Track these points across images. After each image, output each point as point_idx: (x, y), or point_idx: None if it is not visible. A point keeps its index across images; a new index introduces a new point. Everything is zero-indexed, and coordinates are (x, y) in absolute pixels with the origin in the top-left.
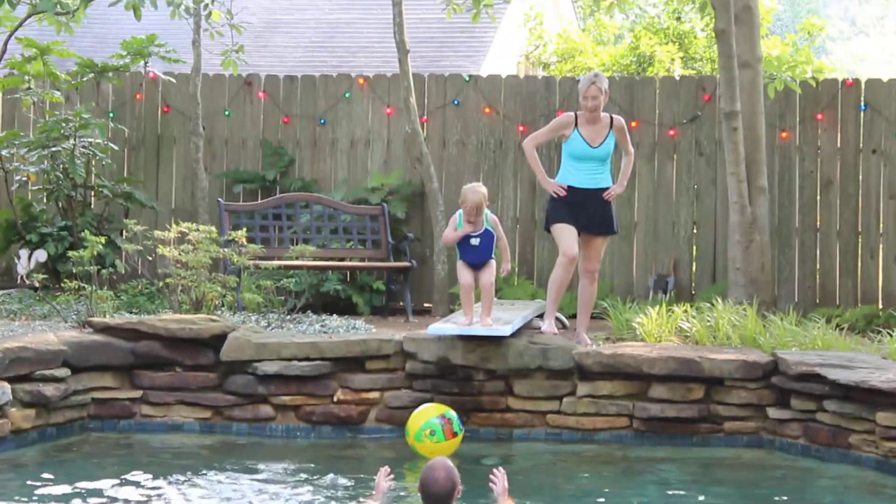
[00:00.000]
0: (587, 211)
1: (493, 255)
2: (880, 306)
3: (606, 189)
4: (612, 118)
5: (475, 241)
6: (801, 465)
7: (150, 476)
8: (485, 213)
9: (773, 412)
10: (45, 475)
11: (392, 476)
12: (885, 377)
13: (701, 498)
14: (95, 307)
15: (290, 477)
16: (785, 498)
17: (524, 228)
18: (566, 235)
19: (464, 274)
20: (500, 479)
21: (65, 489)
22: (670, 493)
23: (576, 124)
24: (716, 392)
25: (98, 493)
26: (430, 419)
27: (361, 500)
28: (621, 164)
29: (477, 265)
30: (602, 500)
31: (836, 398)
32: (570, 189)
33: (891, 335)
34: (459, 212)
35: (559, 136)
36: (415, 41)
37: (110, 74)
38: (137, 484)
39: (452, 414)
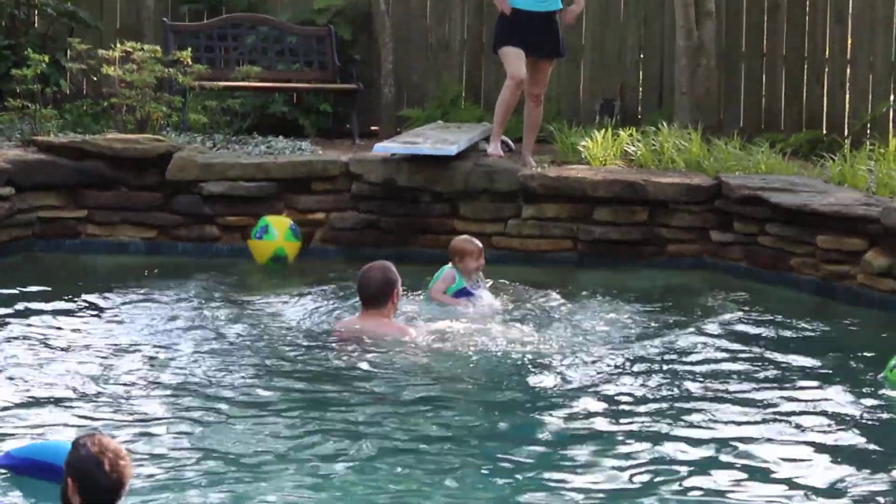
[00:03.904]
0: (536, 34)
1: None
2: (824, 131)
3: (555, 12)
4: None
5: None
6: (743, 287)
7: (95, 294)
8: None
9: (715, 235)
10: None
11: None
12: (826, 201)
13: (645, 316)
14: (40, 126)
15: (239, 296)
16: (727, 317)
17: (471, 51)
18: (514, 58)
19: None
20: None
21: (9, 307)
22: (615, 316)
23: None
24: (659, 215)
25: (42, 311)
26: None
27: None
28: None
29: None
30: (556, 319)
31: (778, 221)
32: (520, 12)
33: (833, 160)
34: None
35: None
36: None
37: None
38: (82, 302)
39: (264, 220)
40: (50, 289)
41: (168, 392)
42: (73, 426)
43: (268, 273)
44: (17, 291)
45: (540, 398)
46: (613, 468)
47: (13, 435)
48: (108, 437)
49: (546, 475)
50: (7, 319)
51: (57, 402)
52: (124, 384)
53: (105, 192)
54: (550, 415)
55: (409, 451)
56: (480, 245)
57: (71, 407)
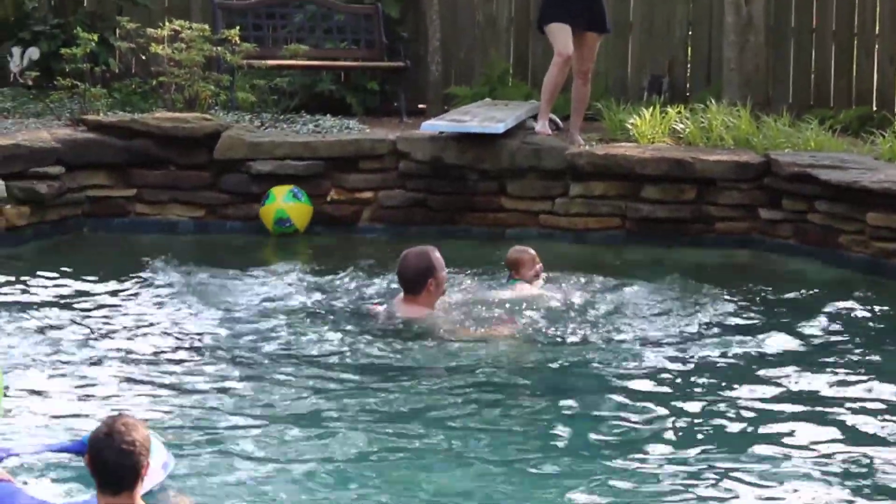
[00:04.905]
0: (580, 7)
1: None
2: (874, 108)
3: None
4: None
5: None
6: (792, 264)
7: (144, 273)
8: None
9: (764, 213)
10: (41, 271)
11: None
12: (876, 178)
13: (695, 294)
14: (89, 105)
15: (287, 274)
16: (778, 295)
17: (519, 28)
18: (561, 35)
19: None
20: None
21: (61, 285)
22: (660, 294)
23: None
24: (708, 193)
25: (92, 290)
26: None
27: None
28: None
29: None
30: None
31: (828, 199)
32: None
33: (884, 136)
34: None
35: None
36: None
37: None
38: (132, 281)
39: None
40: (99, 267)
41: (215, 369)
42: (134, 407)
43: (310, 250)
44: (67, 270)
45: (579, 386)
46: (667, 456)
47: (75, 416)
48: (129, 419)
49: (591, 473)
50: (57, 299)
51: (112, 385)
52: (173, 363)
53: (154, 171)
54: (588, 406)
55: (416, 443)
56: (533, 252)
57: (129, 389)
